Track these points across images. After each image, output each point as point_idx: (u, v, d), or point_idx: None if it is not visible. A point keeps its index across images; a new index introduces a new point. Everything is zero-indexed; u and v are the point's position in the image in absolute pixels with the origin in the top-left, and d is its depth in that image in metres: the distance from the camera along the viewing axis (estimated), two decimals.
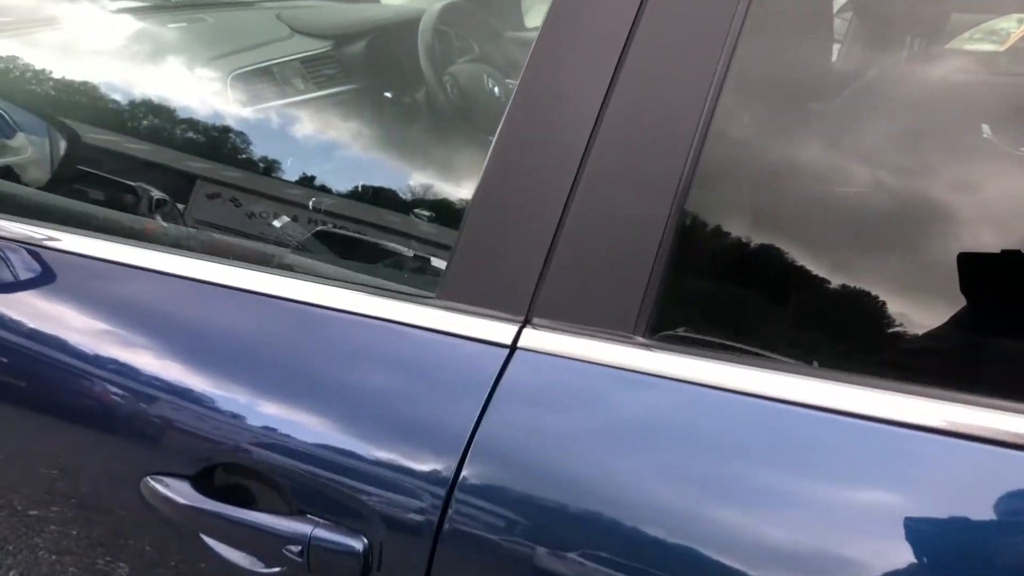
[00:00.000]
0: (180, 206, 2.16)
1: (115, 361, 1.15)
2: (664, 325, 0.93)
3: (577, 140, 0.97)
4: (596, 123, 0.96)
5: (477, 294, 1.00)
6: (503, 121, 1.02)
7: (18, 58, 2.18)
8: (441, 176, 1.91)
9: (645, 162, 0.94)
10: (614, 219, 0.95)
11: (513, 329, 0.97)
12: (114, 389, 1.15)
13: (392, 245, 1.59)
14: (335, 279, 1.15)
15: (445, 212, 1.59)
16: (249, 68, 2.15)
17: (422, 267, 1.45)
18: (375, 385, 1.02)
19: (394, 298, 1.06)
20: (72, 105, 2.13)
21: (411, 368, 1.01)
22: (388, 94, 2.35)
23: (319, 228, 1.88)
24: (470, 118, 2.19)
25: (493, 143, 1.02)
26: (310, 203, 2.01)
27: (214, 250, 1.39)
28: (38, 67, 2.19)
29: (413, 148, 2.11)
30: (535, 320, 0.97)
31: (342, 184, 2.01)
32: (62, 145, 1.96)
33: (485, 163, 1.02)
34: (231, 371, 1.10)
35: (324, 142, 2.16)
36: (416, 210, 1.70)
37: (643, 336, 0.93)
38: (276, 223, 2.09)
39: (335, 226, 1.82)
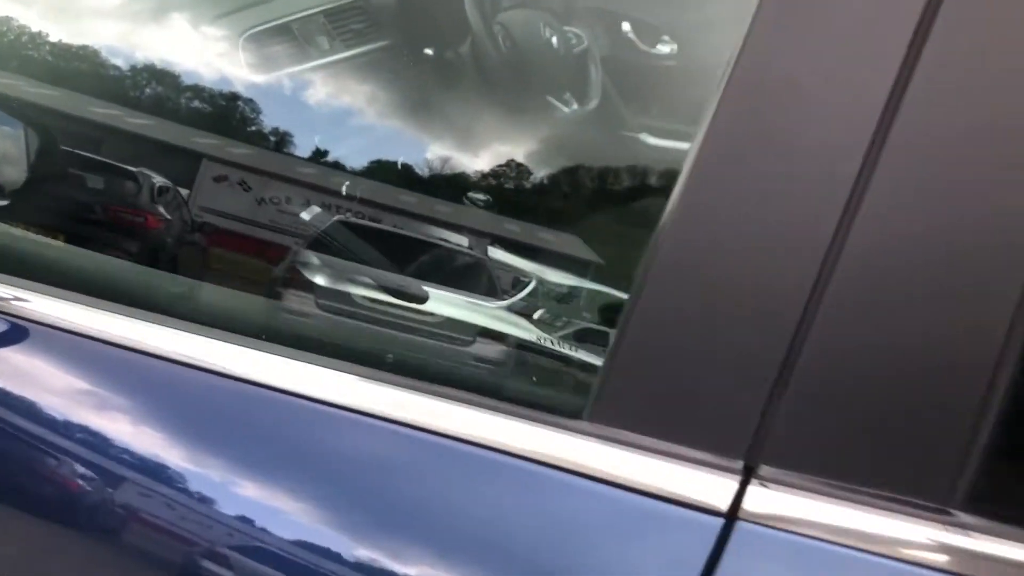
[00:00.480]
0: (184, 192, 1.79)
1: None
2: (1006, 492, 0.53)
3: (842, 169, 0.56)
4: (875, 139, 0.55)
5: (659, 419, 0.61)
6: (702, 137, 0.61)
7: None
8: (530, 172, 1.51)
9: (969, 210, 0.53)
10: (914, 302, 0.54)
11: (730, 485, 0.58)
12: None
13: (483, 305, 1.20)
14: (407, 370, 0.75)
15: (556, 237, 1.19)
16: (263, 26, 1.81)
17: (547, 357, 1.05)
18: (495, 563, 0.62)
19: (510, 415, 0.66)
20: (56, 73, 1.74)
21: (552, 540, 0.61)
22: (428, 50, 1.91)
23: (349, 230, 1.50)
24: (531, 79, 1.76)
25: (686, 171, 0.61)
26: (343, 189, 1.64)
27: (231, 320, 0.95)
28: (14, 26, 1.80)
29: (471, 124, 1.70)
30: (764, 471, 0.58)
31: (381, 174, 1.62)
32: (34, 136, 1.57)
33: (671, 203, 0.62)
34: (256, 516, 0.71)
35: (355, 114, 1.77)
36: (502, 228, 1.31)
37: (965, 510, 0.53)
38: (306, 215, 1.71)
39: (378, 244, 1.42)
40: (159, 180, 1.75)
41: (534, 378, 0.87)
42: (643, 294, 0.64)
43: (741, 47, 0.62)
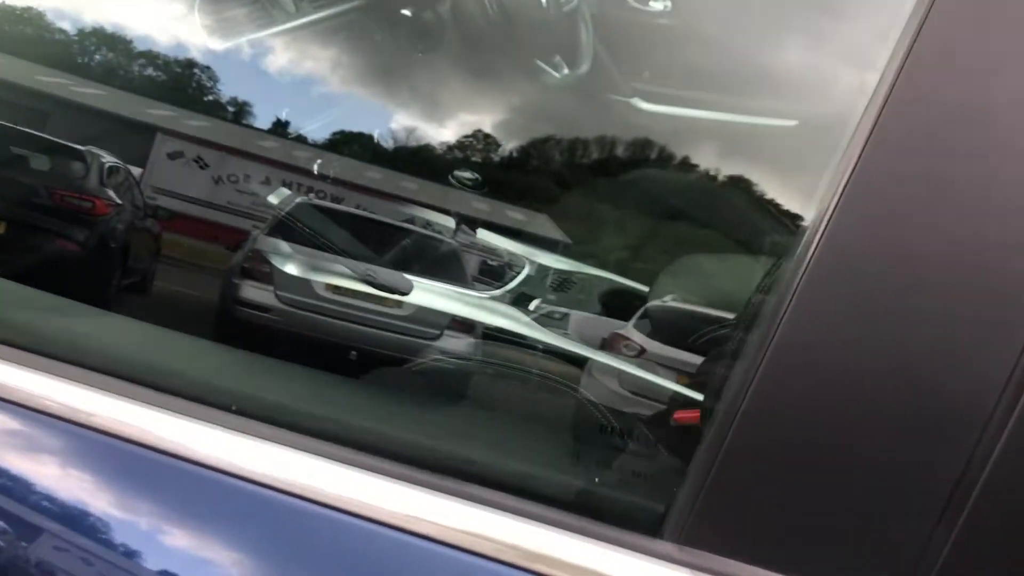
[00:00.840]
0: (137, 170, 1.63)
1: None
2: None
3: None
4: None
5: (776, 546, 0.46)
6: (845, 181, 0.44)
7: None
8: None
9: None
10: None
11: None
12: None
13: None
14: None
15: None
16: None
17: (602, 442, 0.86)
18: None
19: (563, 528, 0.49)
20: None
21: None
22: (406, 12, 1.71)
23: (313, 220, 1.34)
24: (524, 50, 1.58)
25: (825, 225, 0.45)
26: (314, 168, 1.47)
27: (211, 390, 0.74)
28: None
29: (453, 93, 1.53)
30: None
31: (348, 150, 1.45)
32: None
33: (806, 263, 0.45)
34: None
35: (321, 83, 1.59)
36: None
37: None
38: (264, 195, 1.55)
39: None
40: (109, 159, 1.58)
41: (596, 478, 0.67)
42: (759, 379, 0.46)
43: (905, 57, 0.44)
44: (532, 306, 1.36)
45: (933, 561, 0.43)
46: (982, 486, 0.42)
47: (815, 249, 0.46)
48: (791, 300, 0.46)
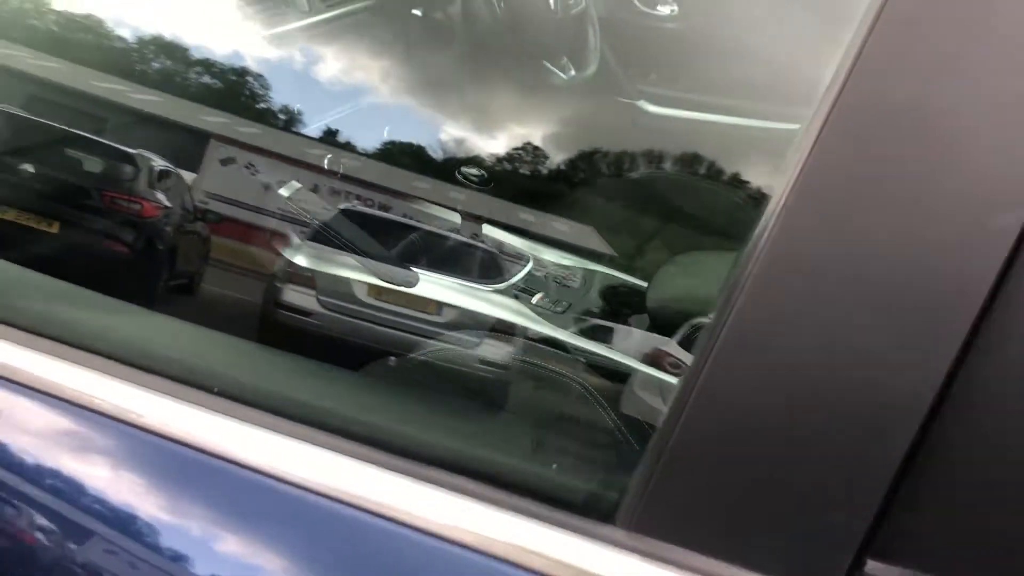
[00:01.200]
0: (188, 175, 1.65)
1: None
2: None
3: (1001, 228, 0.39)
4: None
5: (726, 535, 0.45)
6: (799, 169, 0.44)
7: None
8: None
9: None
10: None
11: None
12: None
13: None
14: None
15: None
16: None
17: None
18: None
19: (513, 511, 0.49)
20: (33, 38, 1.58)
21: None
22: (416, 11, 1.69)
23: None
24: (532, 48, 1.56)
25: (774, 222, 0.44)
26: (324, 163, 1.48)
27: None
28: None
29: (460, 94, 1.51)
30: None
31: (352, 150, 1.45)
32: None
33: (759, 244, 0.44)
34: None
35: (327, 85, 1.57)
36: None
37: None
38: (284, 192, 1.56)
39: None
40: (159, 163, 1.60)
41: (554, 464, 0.66)
42: (708, 370, 0.46)
43: (856, 57, 0.44)
44: (571, 316, 1.34)
45: (876, 548, 0.43)
46: (921, 476, 0.42)
47: (764, 244, 0.46)
48: (740, 293, 0.46)
